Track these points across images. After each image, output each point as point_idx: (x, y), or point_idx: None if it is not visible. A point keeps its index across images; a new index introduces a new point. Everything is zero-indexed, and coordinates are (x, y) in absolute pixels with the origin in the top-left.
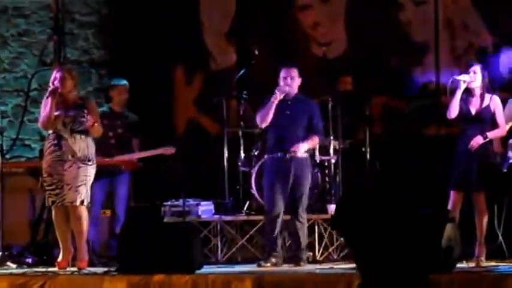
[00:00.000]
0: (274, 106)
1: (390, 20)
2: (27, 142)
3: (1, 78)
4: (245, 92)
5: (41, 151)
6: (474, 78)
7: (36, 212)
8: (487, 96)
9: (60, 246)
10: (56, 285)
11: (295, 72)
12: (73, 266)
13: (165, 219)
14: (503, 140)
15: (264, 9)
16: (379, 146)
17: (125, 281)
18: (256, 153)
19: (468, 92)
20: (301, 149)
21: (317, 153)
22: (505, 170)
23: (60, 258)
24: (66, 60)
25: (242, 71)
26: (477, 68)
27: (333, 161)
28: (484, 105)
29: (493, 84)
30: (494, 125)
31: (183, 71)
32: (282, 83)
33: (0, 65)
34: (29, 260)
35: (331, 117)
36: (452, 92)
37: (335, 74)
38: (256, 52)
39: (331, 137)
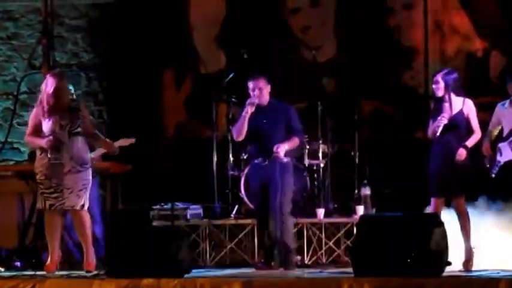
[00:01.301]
0: (246, 120)
1: (380, 24)
2: (16, 145)
3: None
4: (234, 96)
5: (31, 154)
6: (437, 87)
7: (25, 215)
8: (459, 100)
9: (49, 249)
10: None
11: (261, 83)
12: (62, 269)
13: (154, 223)
14: (492, 143)
15: (253, 13)
16: (368, 150)
17: (114, 285)
18: (245, 157)
19: (440, 100)
20: (283, 149)
21: (306, 157)
22: (494, 175)
23: (48, 262)
24: (55, 63)
25: (231, 75)
26: (438, 77)
27: (321, 165)
28: (457, 110)
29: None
30: (469, 130)
31: (173, 74)
32: (251, 95)
33: None
34: (18, 264)
35: (320, 121)
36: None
37: (324, 78)
38: (246, 56)
39: (320, 141)
